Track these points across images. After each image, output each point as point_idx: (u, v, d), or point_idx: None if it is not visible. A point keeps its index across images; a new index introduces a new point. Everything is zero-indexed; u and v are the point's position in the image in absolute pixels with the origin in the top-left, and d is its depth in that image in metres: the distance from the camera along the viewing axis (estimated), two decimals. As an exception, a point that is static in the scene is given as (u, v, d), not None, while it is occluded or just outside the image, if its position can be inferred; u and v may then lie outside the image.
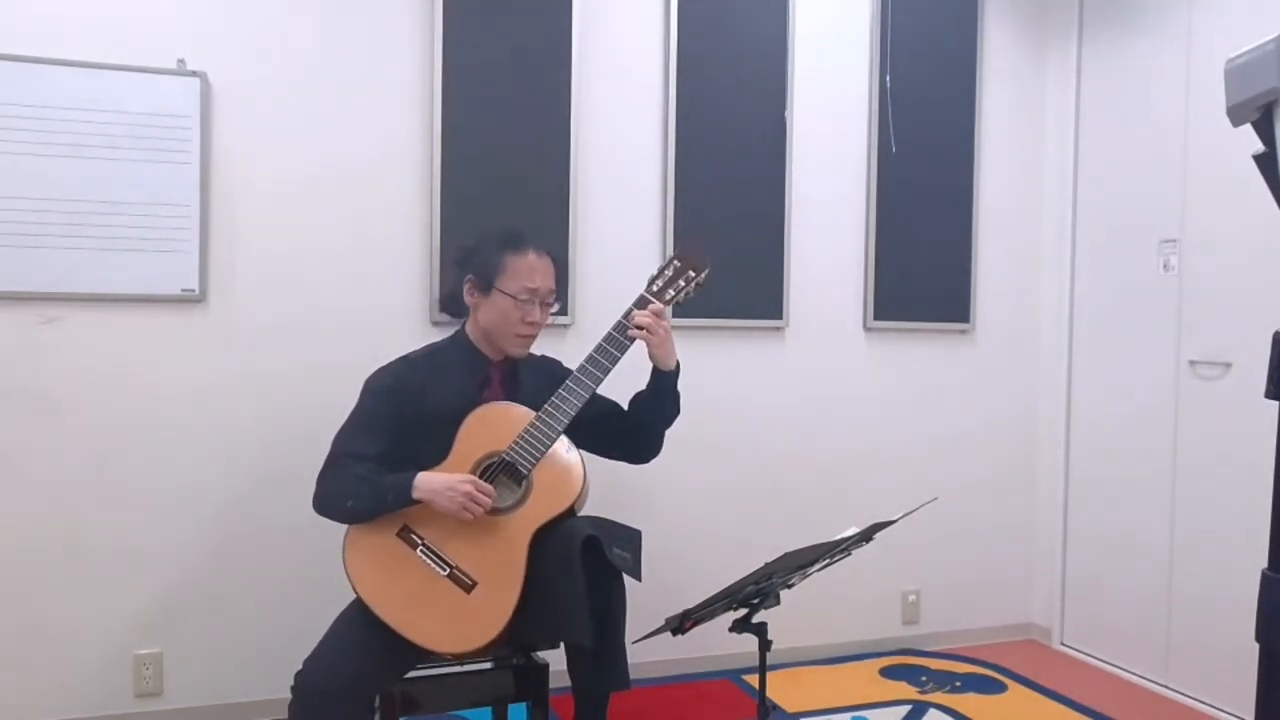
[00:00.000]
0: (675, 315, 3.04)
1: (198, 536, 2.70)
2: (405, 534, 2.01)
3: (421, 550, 2.00)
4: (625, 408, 2.31)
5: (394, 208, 2.85)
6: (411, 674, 2.06)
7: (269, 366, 2.74)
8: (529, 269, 2.15)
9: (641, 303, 2.17)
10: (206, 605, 2.71)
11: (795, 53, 3.25)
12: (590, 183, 3.04)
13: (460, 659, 2.07)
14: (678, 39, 3.10)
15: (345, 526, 2.04)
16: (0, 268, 2.49)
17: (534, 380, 2.23)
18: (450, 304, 2.35)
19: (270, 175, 2.74)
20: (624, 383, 2.24)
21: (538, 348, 2.31)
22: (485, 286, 2.16)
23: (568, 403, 2.06)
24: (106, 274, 2.57)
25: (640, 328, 2.13)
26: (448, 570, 1.98)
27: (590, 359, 2.11)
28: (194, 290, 2.66)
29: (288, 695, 1.91)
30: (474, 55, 2.88)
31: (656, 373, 2.21)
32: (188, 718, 2.70)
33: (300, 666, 1.91)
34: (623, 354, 2.12)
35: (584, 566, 1.91)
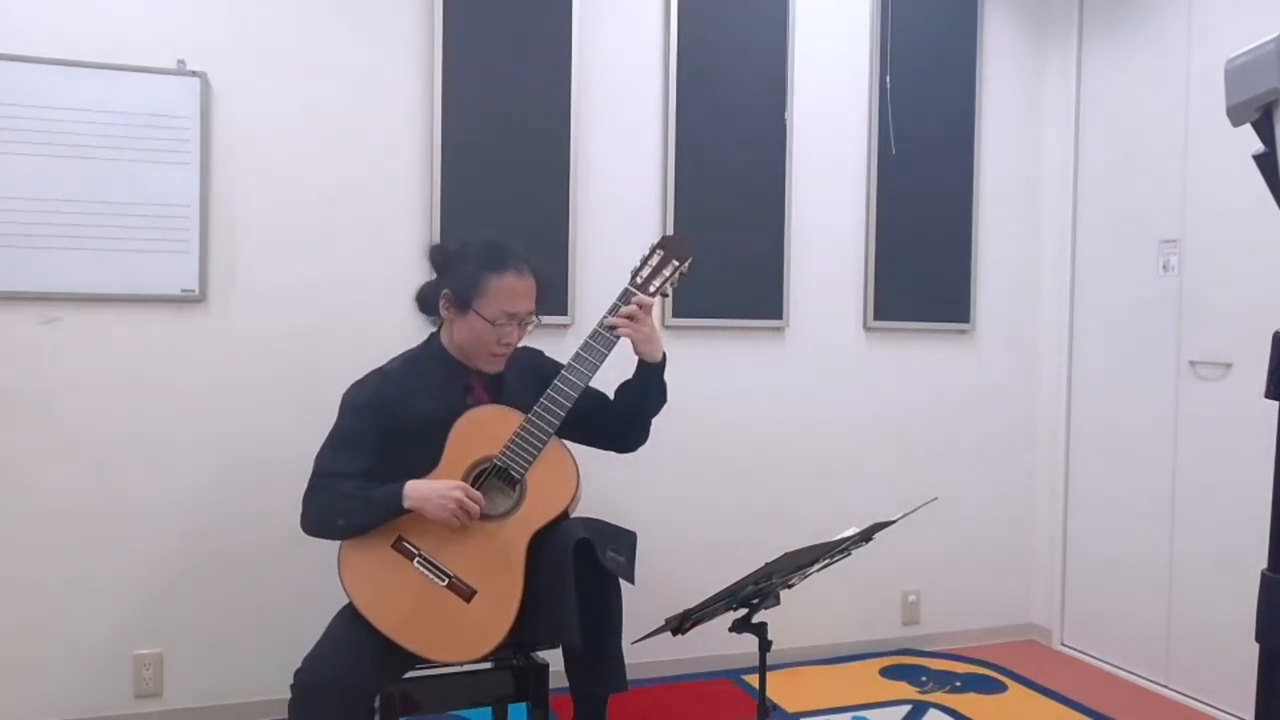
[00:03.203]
0: (675, 314, 3.09)
1: (197, 536, 2.70)
2: (400, 545, 1.99)
3: (419, 561, 1.98)
4: (612, 397, 2.27)
5: (394, 208, 2.85)
6: (411, 674, 2.06)
7: (269, 366, 2.74)
8: (509, 292, 2.06)
9: (625, 296, 2.14)
10: (206, 605, 2.71)
11: (795, 53, 3.24)
12: (590, 183, 3.04)
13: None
14: (678, 39, 3.10)
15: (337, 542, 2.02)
16: (0, 268, 2.49)
17: (518, 379, 2.18)
18: (426, 305, 2.23)
19: (270, 175, 2.73)
20: (614, 374, 2.23)
21: (533, 342, 2.29)
22: (461, 305, 2.07)
23: (557, 403, 2.04)
24: (106, 274, 2.57)
25: (627, 318, 2.10)
26: (446, 580, 1.97)
27: (577, 357, 2.08)
28: (194, 290, 2.66)
29: (288, 695, 1.91)
30: (474, 57, 2.88)
31: (642, 365, 2.19)
32: (188, 718, 2.70)
33: (299, 666, 1.91)
34: (609, 350, 2.10)
35: (578, 569, 1.91)
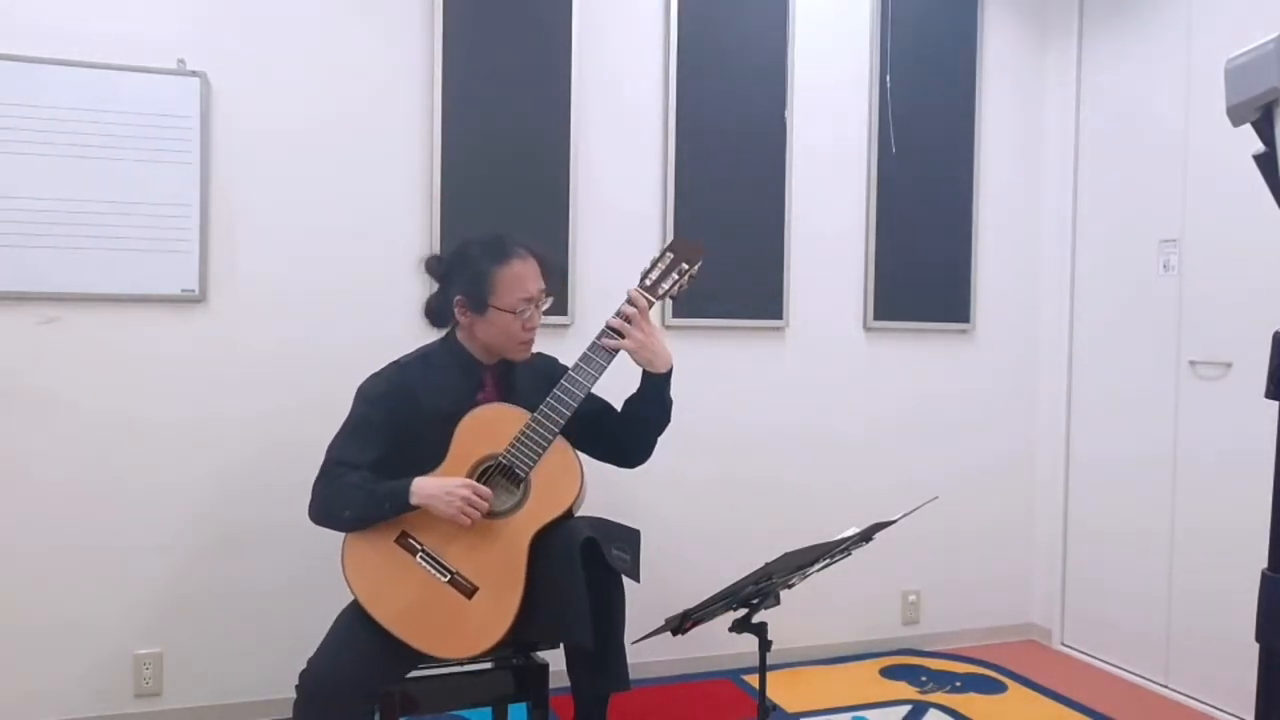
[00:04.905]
0: (675, 315, 3.09)
1: (197, 536, 2.70)
2: (404, 540, 2.00)
3: (421, 556, 1.99)
4: (619, 409, 2.27)
5: (394, 208, 2.85)
6: (411, 674, 2.06)
7: (269, 367, 2.74)
8: (518, 278, 2.08)
9: (633, 300, 2.14)
10: (206, 605, 2.71)
11: (795, 53, 3.25)
12: (590, 184, 3.04)
13: (462, 660, 2.07)
14: (677, 38, 3.10)
15: (343, 533, 2.03)
16: (0, 268, 2.49)
17: (529, 381, 2.20)
18: (438, 318, 2.23)
19: (270, 175, 2.74)
20: (623, 383, 2.23)
21: (535, 347, 2.30)
22: (478, 306, 2.09)
23: (563, 403, 2.04)
24: (106, 274, 2.58)
25: (619, 331, 2.09)
26: (448, 576, 1.98)
27: (584, 357, 2.09)
28: (194, 290, 2.66)
29: (288, 695, 1.91)
30: (475, 58, 2.88)
31: (645, 376, 2.17)
32: (188, 718, 2.70)
33: (303, 666, 1.91)
34: (616, 351, 2.10)
35: (583, 567, 1.91)
